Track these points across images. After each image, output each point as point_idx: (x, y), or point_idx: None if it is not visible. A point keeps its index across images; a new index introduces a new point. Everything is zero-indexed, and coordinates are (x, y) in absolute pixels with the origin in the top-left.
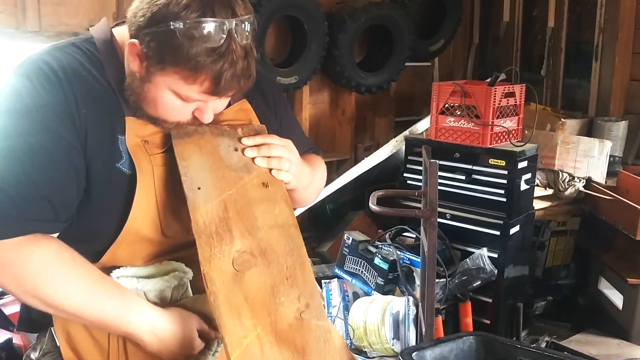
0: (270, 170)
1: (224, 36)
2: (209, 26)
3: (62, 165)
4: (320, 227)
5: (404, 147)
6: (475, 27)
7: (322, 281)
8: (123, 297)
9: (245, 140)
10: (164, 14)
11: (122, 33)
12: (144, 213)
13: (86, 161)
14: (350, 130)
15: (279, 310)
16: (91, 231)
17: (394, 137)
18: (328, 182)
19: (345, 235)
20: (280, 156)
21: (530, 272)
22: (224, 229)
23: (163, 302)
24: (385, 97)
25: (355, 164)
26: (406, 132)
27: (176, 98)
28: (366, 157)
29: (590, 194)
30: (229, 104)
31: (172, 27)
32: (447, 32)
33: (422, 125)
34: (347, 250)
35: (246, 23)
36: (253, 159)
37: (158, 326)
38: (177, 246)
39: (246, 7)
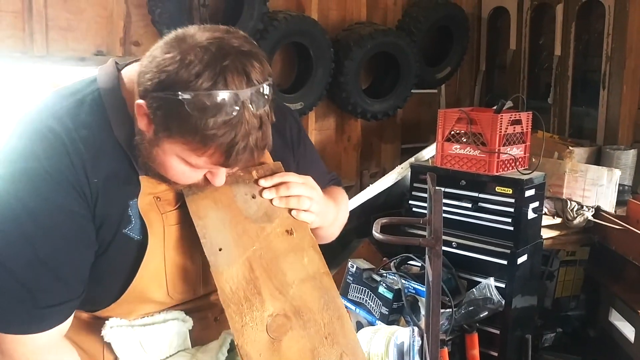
0: (290, 211)
1: (237, 108)
2: (221, 98)
3: (74, 241)
4: (324, 254)
5: (409, 174)
6: (482, 54)
7: None
8: None
9: (262, 182)
10: (173, 81)
11: (131, 78)
12: (151, 276)
13: (95, 228)
14: (356, 156)
15: None
16: (92, 295)
17: (400, 164)
18: None
19: (349, 263)
20: (300, 195)
21: (539, 302)
22: (252, 292)
23: (160, 350)
24: (392, 123)
25: (361, 191)
26: (412, 159)
27: (185, 165)
28: (372, 183)
29: (599, 223)
30: None
31: (180, 97)
32: (454, 60)
33: (428, 152)
34: (351, 279)
35: (263, 90)
36: (271, 201)
37: None
38: (182, 302)
39: (263, 72)
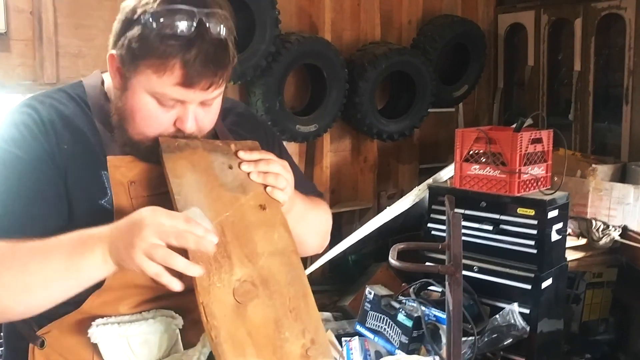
0: (266, 188)
1: (194, 24)
2: (178, 14)
3: (43, 179)
4: (341, 279)
5: (427, 195)
6: (500, 71)
7: (343, 339)
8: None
9: (242, 154)
10: (133, 12)
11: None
12: None
13: (68, 198)
14: (372, 177)
15: (284, 347)
16: None
17: (418, 184)
18: (350, 231)
19: (367, 289)
20: (278, 173)
21: (565, 327)
22: (222, 254)
23: (150, 352)
24: (409, 143)
25: (378, 213)
26: (429, 180)
27: (152, 100)
28: (390, 205)
29: (626, 243)
30: (216, 136)
31: (142, 20)
32: (471, 78)
33: (446, 173)
34: (369, 306)
35: (219, 16)
36: (249, 175)
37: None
38: (170, 292)
39: (222, 6)
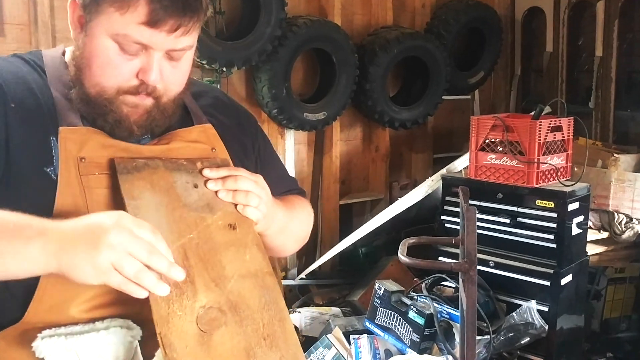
0: (236, 207)
1: None
2: None
3: None
4: (351, 272)
5: (440, 186)
6: (517, 58)
7: (351, 336)
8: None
9: (207, 172)
10: None
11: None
12: None
13: (7, 158)
14: (384, 167)
15: None
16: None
17: (432, 174)
18: (361, 223)
19: (377, 284)
20: (249, 190)
21: (585, 325)
22: (184, 280)
23: None
24: (423, 132)
25: (390, 204)
26: (443, 171)
27: (114, 45)
28: (402, 196)
29: None
30: (189, 117)
31: None
32: (487, 64)
33: (461, 163)
34: (379, 302)
35: None
36: (216, 193)
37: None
38: (129, 297)
39: None
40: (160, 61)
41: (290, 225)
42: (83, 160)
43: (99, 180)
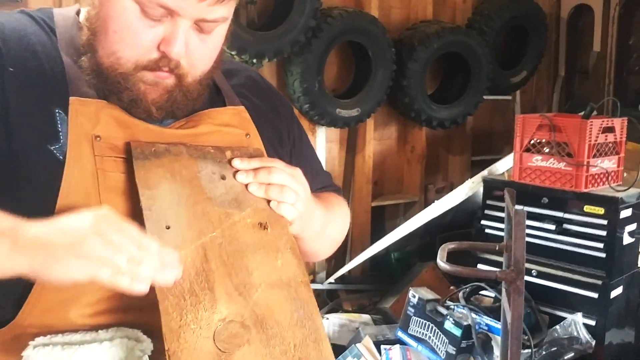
0: (269, 203)
1: None
2: None
3: None
4: (383, 278)
5: (481, 189)
6: (561, 57)
7: (382, 346)
8: None
9: (237, 162)
10: None
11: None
12: None
13: (7, 130)
14: (420, 169)
15: None
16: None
17: (470, 178)
18: (393, 227)
19: (411, 292)
20: (284, 184)
21: (636, 341)
22: (202, 286)
23: None
24: (461, 132)
25: (425, 207)
26: (484, 172)
27: (135, 6)
28: (438, 199)
29: None
30: (220, 96)
31: None
32: (530, 63)
33: (504, 165)
34: (412, 311)
35: None
36: (247, 187)
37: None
38: (137, 299)
39: None
40: (187, 32)
41: (328, 227)
42: (98, 139)
43: (115, 164)
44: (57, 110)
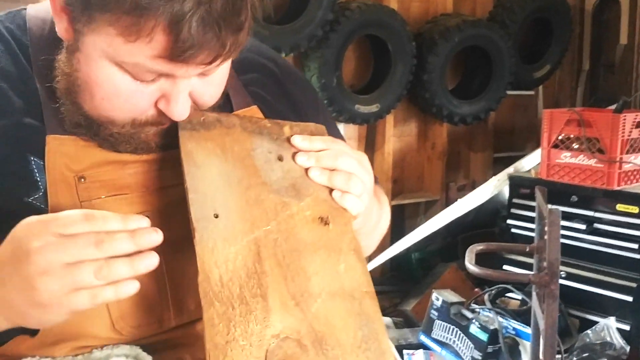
0: (331, 192)
1: None
2: None
3: None
4: (403, 279)
5: (505, 187)
6: (585, 51)
7: (404, 351)
8: None
9: (297, 140)
10: None
11: None
12: None
13: None
14: (441, 166)
15: None
16: None
17: (492, 176)
18: (414, 226)
19: (434, 294)
20: (351, 172)
21: None
22: (254, 292)
23: None
24: (482, 129)
25: (446, 206)
26: (510, 170)
27: (119, 71)
28: (460, 198)
29: None
30: (228, 100)
31: None
32: (554, 57)
33: (530, 162)
34: (436, 314)
35: None
36: (307, 172)
37: None
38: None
39: None
40: (188, 86)
41: (381, 220)
42: (83, 180)
43: (107, 206)
44: (32, 159)
